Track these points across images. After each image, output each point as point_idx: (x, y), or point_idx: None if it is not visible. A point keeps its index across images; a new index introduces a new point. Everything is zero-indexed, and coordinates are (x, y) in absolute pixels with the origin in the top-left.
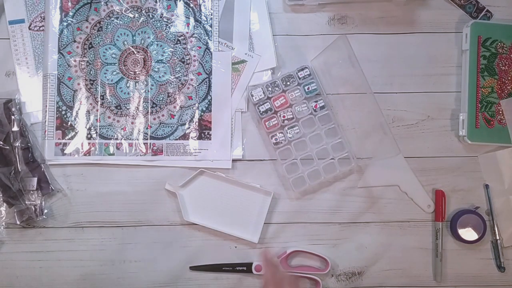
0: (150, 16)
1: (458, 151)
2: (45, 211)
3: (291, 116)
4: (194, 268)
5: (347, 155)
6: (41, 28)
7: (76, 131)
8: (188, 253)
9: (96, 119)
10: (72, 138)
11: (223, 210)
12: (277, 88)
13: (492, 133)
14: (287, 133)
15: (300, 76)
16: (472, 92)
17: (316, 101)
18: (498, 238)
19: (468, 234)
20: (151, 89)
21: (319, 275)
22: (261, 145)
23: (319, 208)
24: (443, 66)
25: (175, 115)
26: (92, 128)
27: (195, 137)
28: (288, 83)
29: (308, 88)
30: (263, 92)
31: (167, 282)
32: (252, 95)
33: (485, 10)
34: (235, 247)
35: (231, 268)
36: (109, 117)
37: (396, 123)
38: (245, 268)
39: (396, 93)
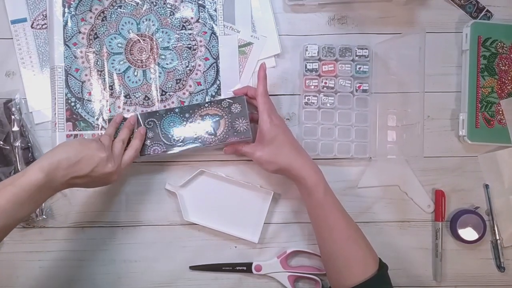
0: (154, 3)
1: (458, 151)
2: (45, 211)
3: (332, 86)
4: (194, 268)
5: (366, 144)
6: (43, 26)
7: (87, 122)
8: (188, 253)
9: (107, 109)
10: (83, 129)
11: (223, 210)
12: (331, 54)
13: (492, 133)
14: (321, 99)
15: (358, 54)
16: (472, 92)
17: (361, 83)
18: (498, 238)
19: (468, 234)
20: (159, 76)
21: (319, 275)
22: None
23: None
24: (443, 66)
25: (185, 102)
26: (102, 118)
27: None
28: (344, 55)
29: (360, 68)
30: (318, 52)
31: (167, 282)
32: (307, 50)
33: (485, 10)
34: (235, 247)
35: (231, 268)
36: (119, 107)
37: (396, 123)
38: (245, 268)
39: (396, 93)
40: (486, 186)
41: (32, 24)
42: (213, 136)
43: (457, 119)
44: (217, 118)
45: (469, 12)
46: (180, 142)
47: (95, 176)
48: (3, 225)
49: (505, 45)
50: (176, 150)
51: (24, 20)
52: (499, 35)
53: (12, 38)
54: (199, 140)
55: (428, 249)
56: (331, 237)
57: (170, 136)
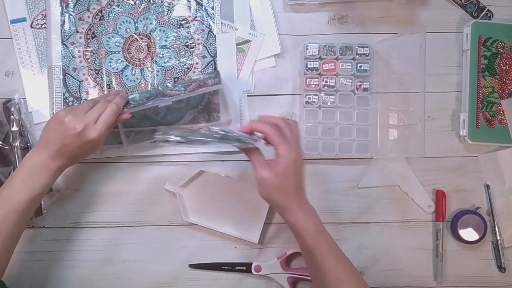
0: (151, 1)
1: (458, 151)
2: (45, 211)
3: (333, 84)
4: (193, 266)
5: (367, 143)
6: (43, 26)
7: None
8: (188, 253)
9: None
10: None
11: (223, 210)
12: (332, 53)
13: (493, 133)
14: (322, 98)
15: (358, 52)
16: (473, 92)
17: (362, 81)
18: (498, 238)
19: (469, 234)
20: (157, 75)
21: None
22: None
23: (319, 208)
24: (443, 66)
25: (183, 100)
26: None
27: (204, 120)
28: (345, 53)
29: (360, 67)
30: (318, 50)
31: (167, 282)
32: (307, 48)
33: (486, 9)
34: (235, 247)
35: (231, 267)
36: None
37: (397, 122)
38: (244, 268)
39: (396, 93)
40: (487, 186)
41: (32, 24)
42: (182, 93)
43: (458, 119)
44: (190, 85)
45: (469, 11)
46: (149, 102)
47: (69, 140)
48: (4, 213)
49: (505, 45)
50: (145, 106)
51: (24, 19)
52: (500, 35)
53: (11, 38)
54: (168, 98)
55: (429, 249)
56: (322, 279)
57: (139, 100)
